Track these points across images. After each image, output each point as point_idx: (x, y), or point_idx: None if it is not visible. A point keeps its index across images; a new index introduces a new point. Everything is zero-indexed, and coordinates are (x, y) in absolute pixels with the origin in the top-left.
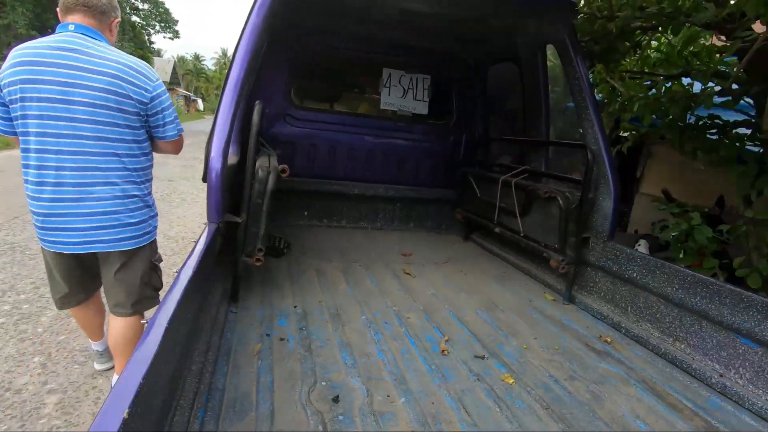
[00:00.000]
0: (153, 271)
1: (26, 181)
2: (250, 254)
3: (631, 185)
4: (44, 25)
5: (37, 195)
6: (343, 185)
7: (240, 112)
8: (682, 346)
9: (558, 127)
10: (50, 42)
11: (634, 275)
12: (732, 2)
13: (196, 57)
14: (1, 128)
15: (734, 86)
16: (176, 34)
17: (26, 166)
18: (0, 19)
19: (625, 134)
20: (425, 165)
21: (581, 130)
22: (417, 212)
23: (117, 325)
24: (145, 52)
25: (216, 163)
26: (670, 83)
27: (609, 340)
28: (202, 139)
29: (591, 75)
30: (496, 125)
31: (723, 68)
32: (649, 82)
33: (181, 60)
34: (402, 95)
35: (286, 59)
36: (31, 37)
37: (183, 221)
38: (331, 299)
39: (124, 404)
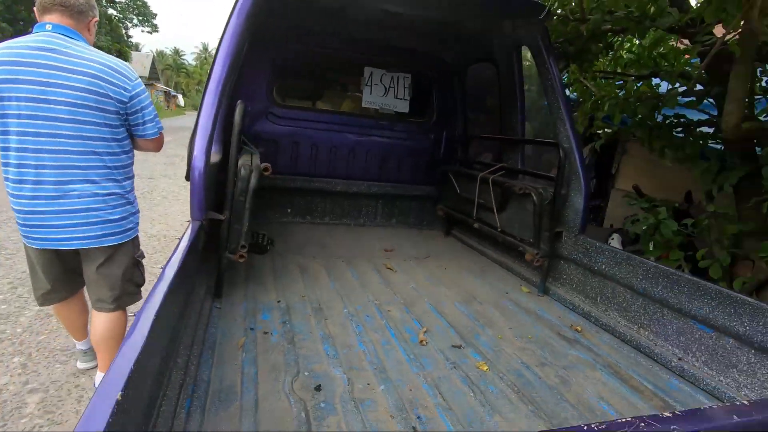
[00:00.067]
0: (135, 267)
1: (6, 179)
2: (233, 251)
3: (606, 181)
4: (15, 17)
5: (17, 193)
6: (326, 182)
7: (222, 111)
8: (646, 333)
9: (536, 125)
10: (29, 42)
11: (603, 267)
12: (694, 8)
13: (176, 51)
14: None
15: (698, 87)
16: (155, 28)
17: (6, 165)
18: None
19: (599, 132)
20: (407, 162)
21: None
22: (399, 209)
23: (100, 321)
24: (122, 46)
25: (199, 161)
26: (639, 83)
27: (579, 328)
28: (183, 136)
29: (566, 75)
30: (476, 123)
31: (689, 69)
32: (621, 82)
33: (161, 54)
34: (383, 94)
35: (268, 58)
36: (1, 30)
37: (165, 219)
38: (313, 294)
39: (117, 387)
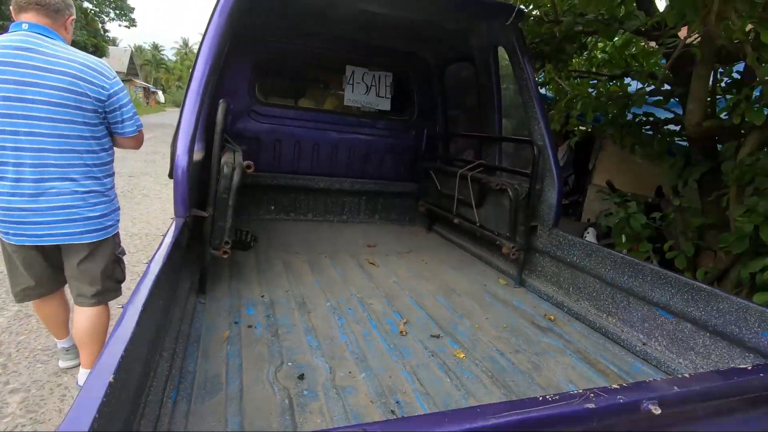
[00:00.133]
0: (116, 263)
1: None
2: (217, 247)
3: (584, 177)
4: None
5: None
6: (309, 179)
7: (205, 110)
8: (613, 320)
9: (515, 123)
10: (5, 41)
11: (575, 259)
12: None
13: (155, 47)
14: None
15: (666, 87)
16: (132, 22)
17: None
18: None
19: (574, 129)
20: (389, 159)
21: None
22: (382, 205)
23: (82, 316)
24: (99, 40)
25: (182, 160)
26: (611, 83)
27: (552, 317)
28: (164, 133)
29: (542, 74)
30: (459, 121)
31: (657, 69)
32: (595, 81)
33: (139, 49)
34: (365, 92)
35: (249, 57)
36: None
37: (146, 218)
38: (297, 289)
39: (110, 370)
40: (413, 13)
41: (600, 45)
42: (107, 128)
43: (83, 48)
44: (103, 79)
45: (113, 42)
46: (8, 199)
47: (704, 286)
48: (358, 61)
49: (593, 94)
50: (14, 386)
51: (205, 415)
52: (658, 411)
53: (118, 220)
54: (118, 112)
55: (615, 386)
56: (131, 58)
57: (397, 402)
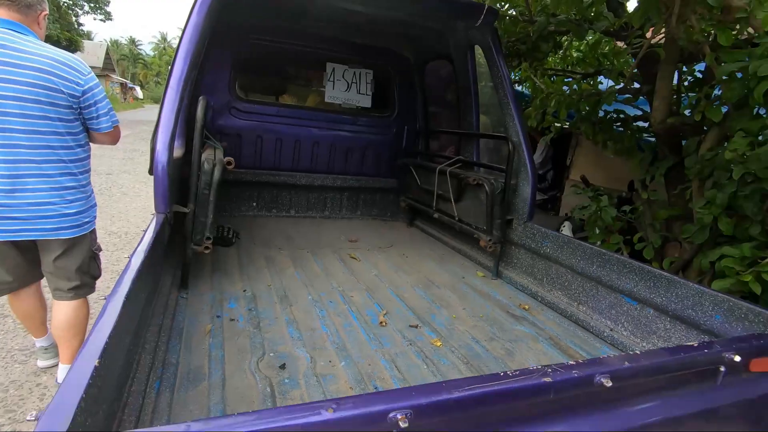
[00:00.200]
0: (92, 260)
1: None
2: (198, 242)
3: (562, 172)
4: None
5: None
6: (291, 176)
7: (184, 106)
8: (584, 308)
9: (494, 119)
10: None
11: (548, 251)
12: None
13: (132, 41)
14: None
15: (636, 85)
16: (108, 16)
17: None
18: None
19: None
20: (370, 156)
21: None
22: (363, 201)
23: (60, 310)
24: (72, 34)
25: (162, 155)
26: (584, 81)
27: (527, 307)
28: (143, 130)
29: (518, 72)
30: (436, 118)
31: (627, 68)
32: (570, 79)
33: (115, 44)
34: (346, 89)
35: (230, 53)
36: None
37: (125, 216)
38: (279, 283)
39: (95, 355)
40: (391, 11)
41: (575, 44)
42: (83, 124)
43: (56, 42)
44: (76, 74)
45: (88, 36)
46: None
47: (665, 273)
48: (339, 58)
49: (567, 92)
50: None
51: (188, 404)
52: (609, 384)
53: (95, 217)
54: (93, 108)
55: (571, 362)
56: (107, 53)
57: (375, 388)
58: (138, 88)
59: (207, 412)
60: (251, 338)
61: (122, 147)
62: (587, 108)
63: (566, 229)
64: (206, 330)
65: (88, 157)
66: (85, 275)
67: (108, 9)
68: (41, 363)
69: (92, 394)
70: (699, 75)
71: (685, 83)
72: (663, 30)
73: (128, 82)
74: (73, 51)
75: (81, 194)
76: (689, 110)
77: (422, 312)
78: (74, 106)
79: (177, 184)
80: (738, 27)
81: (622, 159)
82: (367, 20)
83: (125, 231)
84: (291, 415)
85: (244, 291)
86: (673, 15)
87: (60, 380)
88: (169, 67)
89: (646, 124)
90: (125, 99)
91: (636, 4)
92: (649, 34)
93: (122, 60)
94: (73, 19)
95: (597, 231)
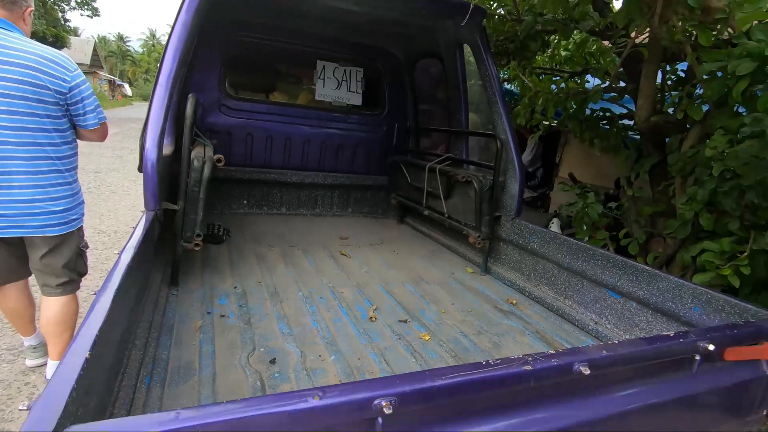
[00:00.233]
0: (79, 257)
1: None
2: (188, 240)
3: (552, 170)
4: None
5: None
6: (281, 173)
7: (174, 104)
8: (569, 302)
9: (484, 118)
10: None
11: (535, 246)
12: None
13: (120, 37)
14: None
15: (622, 84)
16: (95, 12)
17: None
18: None
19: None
20: (361, 153)
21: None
22: (354, 198)
23: (49, 306)
24: (59, 30)
25: (151, 153)
26: (572, 79)
27: (514, 301)
28: (132, 128)
29: (507, 71)
30: (426, 116)
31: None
32: (558, 78)
33: (103, 40)
34: (336, 87)
35: (219, 51)
36: None
37: (114, 215)
38: (270, 280)
39: (86, 348)
40: (380, 10)
41: (563, 43)
42: (70, 121)
43: (42, 38)
44: (63, 71)
45: (75, 32)
46: None
47: (647, 267)
48: (329, 56)
49: (555, 90)
50: None
51: (178, 398)
52: (587, 372)
53: (82, 214)
54: (80, 105)
55: (551, 351)
56: (95, 49)
57: None
58: (127, 86)
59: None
60: (242, 334)
61: (111, 145)
62: (574, 106)
63: (555, 226)
64: (197, 326)
65: (76, 154)
66: (73, 272)
67: (95, 5)
68: (29, 362)
69: (83, 385)
70: (682, 74)
71: (669, 82)
72: (647, 30)
73: (116, 79)
74: (60, 47)
75: (68, 191)
76: (672, 108)
77: (412, 307)
78: (61, 103)
79: (167, 181)
80: (718, 27)
81: (609, 156)
82: (356, 18)
83: (114, 230)
84: (279, 403)
85: (235, 288)
86: (656, 15)
87: (49, 377)
88: (158, 65)
89: (631, 122)
90: (114, 96)
91: (623, 4)
92: (633, 34)
93: (110, 57)
94: (60, 15)
95: (584, 227)
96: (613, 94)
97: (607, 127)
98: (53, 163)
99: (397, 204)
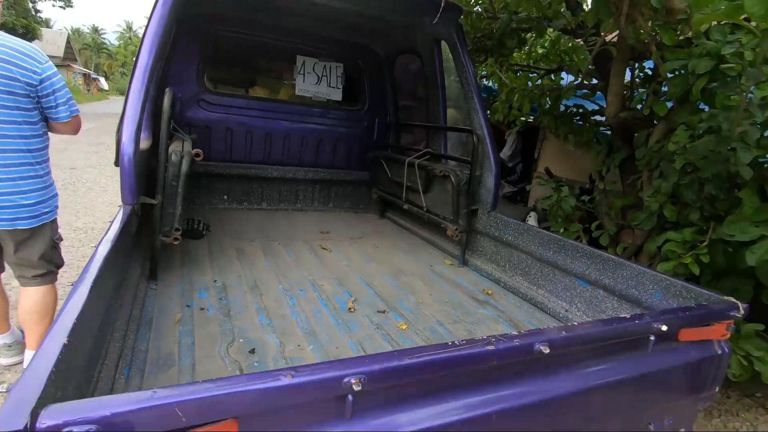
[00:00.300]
0: (54, 249)
1: None
2: (167, 234)
3: (531, 165)
4: None
5: None
6: (262, 169)
7: (150, 98)
8: (542, 291)
9: (463, 113)
10: None
11: (510, 238)
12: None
13: (95, 29)
14: None
15: (594, 81)
16: (68, 2)
17: None
18: None
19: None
20: (341, 148)
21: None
22: (335, 193)
23: (26, 295)
24: (29, 21)
25: (128, 147)
26: (547, 76)
27: (490, 292)
28: (108, 123)
29: (484, 67)
30: (406, 111)
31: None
32: (534, 74)
33: (77, 32)
34: (316, 82)
35: (197, 45)
36: None
37: (92, 211)
38: (250, 273)
39: (63, 334)
40: (357, 6)
41: (540, 41)
42: (41, 114)
43: (12, 29)
44: (33, 63)
45: (46, 23)
46: None
47: (612, 256)
48: (309, 51)
49: (530, 87)
50: None
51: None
52: (547, 351)
53: (56, 206)
54: (51, 97)
55: (514, 333)
56: (68, 42)
57: None
58: (102, 79)
59: None
60: (221, 326)
61: (86, 140)
62: (549, 102)
63: (532, 220)
64: (176, 319)
65: (47, 147)
66: (50, 263)
67: None
68: (4, 361)
69: (62, 369)
70: (649, 72)
71: (637, 80)
72: (614, 29)
73: (92, 72)
74: (31, 39)
75: (39, 184)
76: (640, 105)
77: (390, 298)
78: (32, 95)
79: (145, 176)
80: (680, 27)
81: (584, 151)
82: (335, 14)
83: (91, 227)
84: (253, 381)
85: (215, 281)
86: (622, 15)
87: (28, 362)
88: (135, 58)
89: (602, 118)
90: (89, 90)
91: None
92: (603, 33)
93: (85, 49)
94: (30, 5)
95: (558, 220)
96: (585, 90)
97: (580, 123)
98: (23, 155)
99: (378, 198)
